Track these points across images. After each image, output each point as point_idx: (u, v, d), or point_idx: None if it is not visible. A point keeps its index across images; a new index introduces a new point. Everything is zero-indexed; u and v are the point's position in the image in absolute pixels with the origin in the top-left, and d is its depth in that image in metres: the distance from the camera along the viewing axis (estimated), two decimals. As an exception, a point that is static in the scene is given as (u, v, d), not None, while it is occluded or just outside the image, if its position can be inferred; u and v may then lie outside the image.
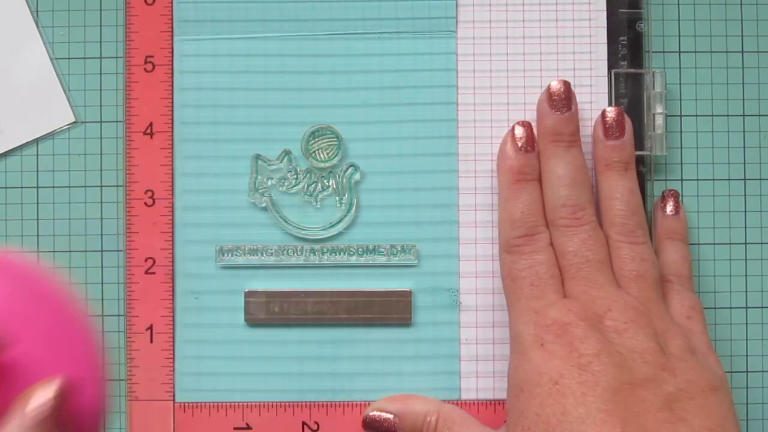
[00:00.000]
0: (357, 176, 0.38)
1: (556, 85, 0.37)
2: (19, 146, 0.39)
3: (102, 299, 0.39)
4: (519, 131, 0.37)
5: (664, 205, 0.38)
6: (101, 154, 0.39)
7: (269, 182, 0.39)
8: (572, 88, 0.37)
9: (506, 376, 0.35)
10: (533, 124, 0.37)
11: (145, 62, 0.39)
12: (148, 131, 0.39)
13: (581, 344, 0.33)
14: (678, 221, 0.38)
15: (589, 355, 0.32)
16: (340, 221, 0.39)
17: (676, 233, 0.38)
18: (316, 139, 0.39)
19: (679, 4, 0.39)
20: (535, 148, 0.37)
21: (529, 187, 0.36)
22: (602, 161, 0.37)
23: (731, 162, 0.39)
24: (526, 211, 0.36)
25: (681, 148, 0.39)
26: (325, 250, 0.39)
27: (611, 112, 0.37)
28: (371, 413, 0.37)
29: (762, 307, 0.39)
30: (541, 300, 0.34)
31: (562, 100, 0.37)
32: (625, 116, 0.37)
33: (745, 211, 0.39)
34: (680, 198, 0.39)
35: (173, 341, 0.38)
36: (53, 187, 0.39)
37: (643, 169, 0.38)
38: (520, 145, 0.37)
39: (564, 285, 0.35)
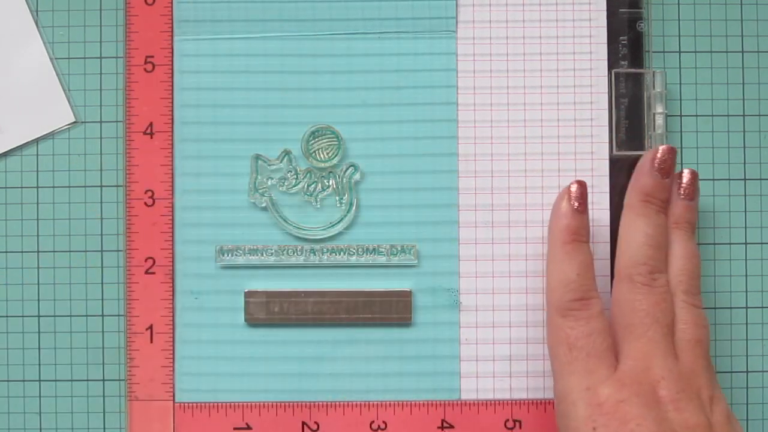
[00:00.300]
0: (357, 176, 0.38)
1: (665, 149, 0.36)
2: (19, 146, 0.39)
3: (102, 299, 0.39)
4: (575, 190, 0.36)
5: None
6: (101, 154, 0.39)
7: (269, 182, 0.39)
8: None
9: (506, 376, 0.35)
10: (587, 183, 0.37)
11: (145, 62, 0.39)
12: (148, 131, 0.39)
13: (637, 426, 0.32)
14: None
15: None
16: (340, 221, 0.39)
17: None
18: (316, 139, 0.39)
19: (679, 4, 0.39)
20: (587, 209, 0.36)
21: (583, 249, 0.36)
22: (673, 218, 0.36)
23: (731, 162, 0.39)
24: (581, 274, 0.35)
25: (681, 148, 0.39)
26: (325, 250, 0.39)
27: (688, 174, 0.37)
28: None
29: (762, 307, 0.39)
30: (593, 375, 0.34)
31: (668, 166, 0.36)
32: (698, 179, 0.37)
33: (745, 211, 0.39)
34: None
35: (173, 341, 0.38)
36: (53, 187, 0.39)
37: (643, 169, 0.38)
38: (576, 205, 0.36)
39: (624, 341, 0.35)
